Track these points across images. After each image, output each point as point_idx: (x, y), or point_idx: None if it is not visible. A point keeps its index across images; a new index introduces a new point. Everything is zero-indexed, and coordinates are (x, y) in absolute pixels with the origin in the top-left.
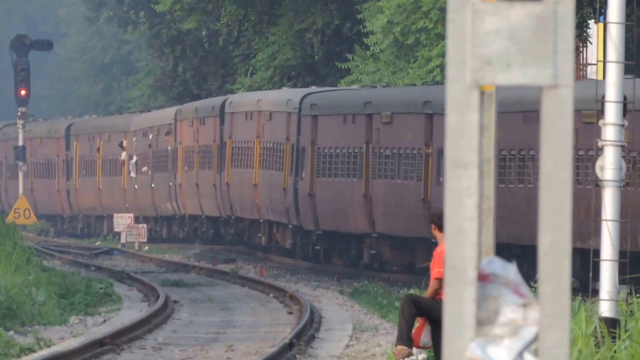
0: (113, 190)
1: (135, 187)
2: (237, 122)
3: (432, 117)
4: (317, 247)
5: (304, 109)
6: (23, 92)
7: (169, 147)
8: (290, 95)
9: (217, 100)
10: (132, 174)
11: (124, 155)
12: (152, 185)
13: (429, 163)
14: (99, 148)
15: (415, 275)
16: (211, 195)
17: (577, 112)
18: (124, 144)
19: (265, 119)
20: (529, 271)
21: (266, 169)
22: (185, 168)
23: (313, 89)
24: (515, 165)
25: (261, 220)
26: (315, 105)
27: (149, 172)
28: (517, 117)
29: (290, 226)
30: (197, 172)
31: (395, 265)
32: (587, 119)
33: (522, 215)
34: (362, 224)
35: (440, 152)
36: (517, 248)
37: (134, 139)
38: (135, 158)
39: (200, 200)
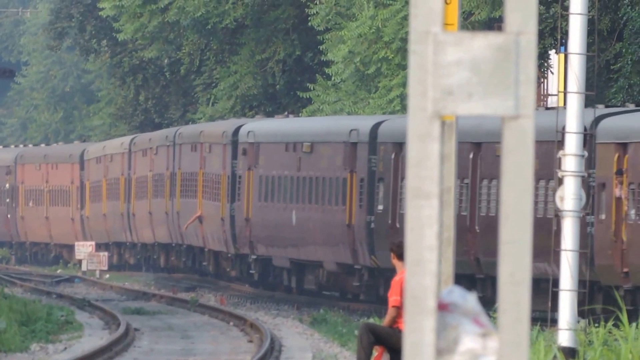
0: None
1: None
2: (92, 166)
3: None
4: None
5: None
6: None
7: (7, 185)
8: (125, 139)
9: (75, 149)
10: None
11: None
12: None
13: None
14: None
15: (375, 304)
16: (68, 226)
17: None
18: None
19: (108, 161)
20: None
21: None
22: (30, 203)
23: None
24: (187, 183)
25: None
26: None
27: None
28: (189, 147)
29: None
30: (47, 207)
31: None
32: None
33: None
34: None
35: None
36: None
37: None
38: None
39: (50, 230)
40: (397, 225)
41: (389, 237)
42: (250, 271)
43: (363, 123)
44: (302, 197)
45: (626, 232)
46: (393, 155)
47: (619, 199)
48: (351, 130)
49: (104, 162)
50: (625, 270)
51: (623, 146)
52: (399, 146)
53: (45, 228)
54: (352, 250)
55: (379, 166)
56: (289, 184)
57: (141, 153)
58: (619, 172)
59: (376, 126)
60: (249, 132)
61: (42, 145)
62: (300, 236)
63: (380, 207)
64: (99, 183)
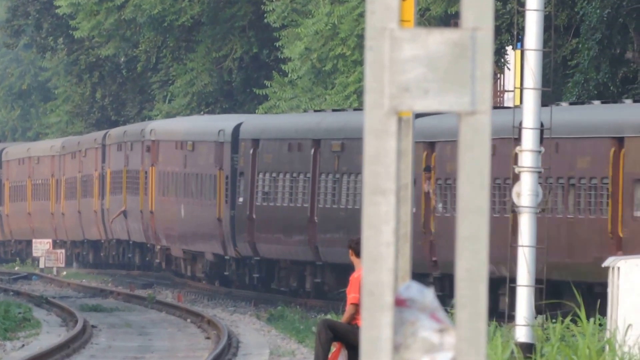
0: None
1: None
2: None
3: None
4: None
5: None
6: None
7: None
8: (54, 142)
9: None
10: None
11: None
12: None
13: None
14: None
15: (332, 300)
16: None
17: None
18: None
19: (34, 163)
20: None
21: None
22: None
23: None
24: (116, 180)
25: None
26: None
27: None
28: (116, 146)
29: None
30: None
31: None
32: None
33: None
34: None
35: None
36: None
37: None
38: None
39: None
40: (254, 217)
41: (247, 229)
42: (157, 260)
43: (228, 124)
44: (187, 192)
45: (434, 224)
46: (252, 151)
47: (427, 194)
48: (219, 130)
49: (28, 164)
50: (434, 259)
51: (431, 145)
52: (257, 142)
53: None
54: (222, 242)
55: (240, 161)
56: (178, 180)
57: (70, 156)
58: (427, 169)
59: (238, 126)
60: (151, 130)
61: None
62: (188, 229)
63: (241, 199)
64: (22, 183)
